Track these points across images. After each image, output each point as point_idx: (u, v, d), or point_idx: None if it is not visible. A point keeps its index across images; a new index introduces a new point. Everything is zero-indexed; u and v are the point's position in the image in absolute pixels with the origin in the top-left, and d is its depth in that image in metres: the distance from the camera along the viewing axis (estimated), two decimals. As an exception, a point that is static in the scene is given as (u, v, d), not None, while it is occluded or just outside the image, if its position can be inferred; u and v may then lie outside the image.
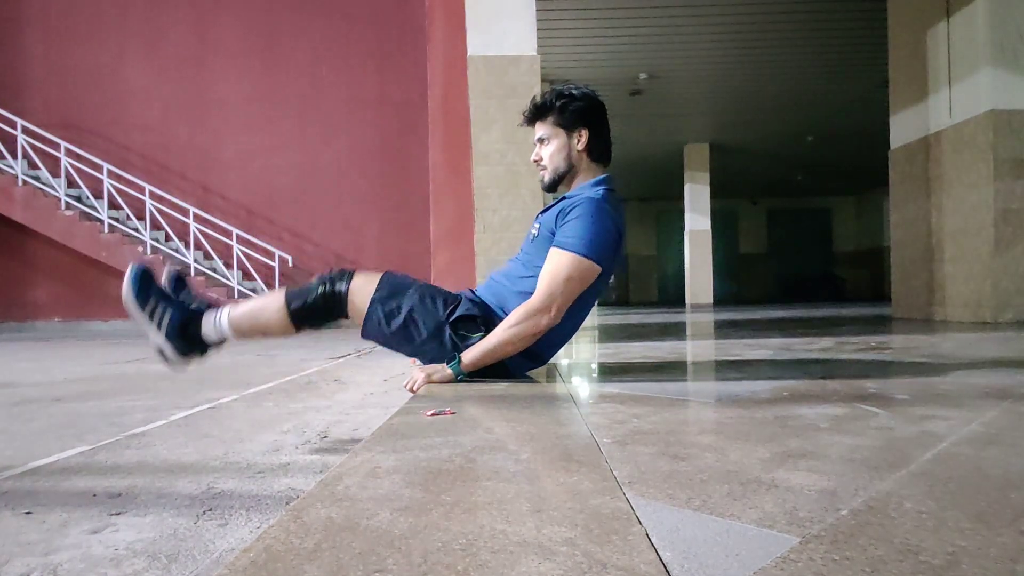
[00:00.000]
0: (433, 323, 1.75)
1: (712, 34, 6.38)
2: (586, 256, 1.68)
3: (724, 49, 6.75)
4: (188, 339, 1.76)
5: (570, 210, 1.75)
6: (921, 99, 4.74)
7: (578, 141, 1.84)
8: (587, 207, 1.72)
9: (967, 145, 4.27)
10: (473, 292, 1.90)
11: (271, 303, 1.76)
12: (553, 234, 1.75)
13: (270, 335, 1.81)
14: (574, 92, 1.84)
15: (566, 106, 1.82)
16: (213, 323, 1.76)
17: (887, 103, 5.21)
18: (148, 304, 1.73)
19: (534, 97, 1.89)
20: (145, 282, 1.75)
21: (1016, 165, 4.06)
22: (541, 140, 1.87)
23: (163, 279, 1.86)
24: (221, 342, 1.81)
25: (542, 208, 1.94)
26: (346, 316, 1.78)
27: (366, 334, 1.81)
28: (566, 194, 1.85)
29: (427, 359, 1.82)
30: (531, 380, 1.82)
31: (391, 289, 1.77)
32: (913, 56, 4.81)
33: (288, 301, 1.74)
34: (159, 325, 1.73)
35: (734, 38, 6.47)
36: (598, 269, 1.71)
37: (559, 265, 1.68)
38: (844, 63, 7.13)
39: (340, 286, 1.75)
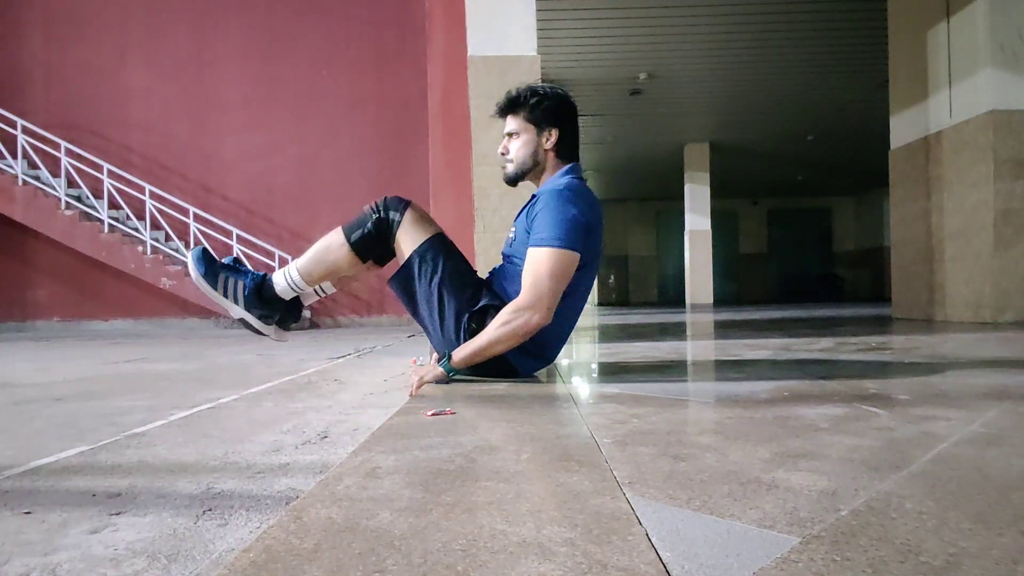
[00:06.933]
0: (455, 304, 1.76)
1: (712, 34, 6.38)
2: (560, 247, 1.68)
3: (724, 49, 6.75)
4: (266, 302, 1.78)
5: (536, 206, 1.76)
6: (921, 99, 4.74)
7: (547, 139, 1.85)
8: (549, 200, 1.73)
9: (967, 145, 4.27)
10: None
11: (333, 241, 1.79)
12: (529, 233, 1.76)
13: (341, 274, 1.83)
14: (547, 91, 1.86)
15: (539, 104, 1.84)
16: (284, 278, 1.78)
17: (887, 103, 5.21)
18: (219, 280, 1.76)
19: (509, 91, 1.90)
20: (209, 260, 1.77)
21: (1016, 165, 4.06)
22: (510, 134, 1.88)
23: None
24: (298, 301, 1.84)
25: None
26: (393, 254, 1.81)
27: (394, 283, 1.82)
28: (535, 192, 1.86)
29: (433, 338, 1.83)
30: (531, 380, 1.82)
31: (436, 251, 1.77)
32: (913, 56, 4.80)
33: (348, 235, 1.77)
34: (235, 298, 1.76)
35: (734, 38, 6.46)
36: (576, 256, 1.70)
37: (538, 262, 1.68)
38: (844, 63, 7.13)
39: (393, 215, 1.77)
